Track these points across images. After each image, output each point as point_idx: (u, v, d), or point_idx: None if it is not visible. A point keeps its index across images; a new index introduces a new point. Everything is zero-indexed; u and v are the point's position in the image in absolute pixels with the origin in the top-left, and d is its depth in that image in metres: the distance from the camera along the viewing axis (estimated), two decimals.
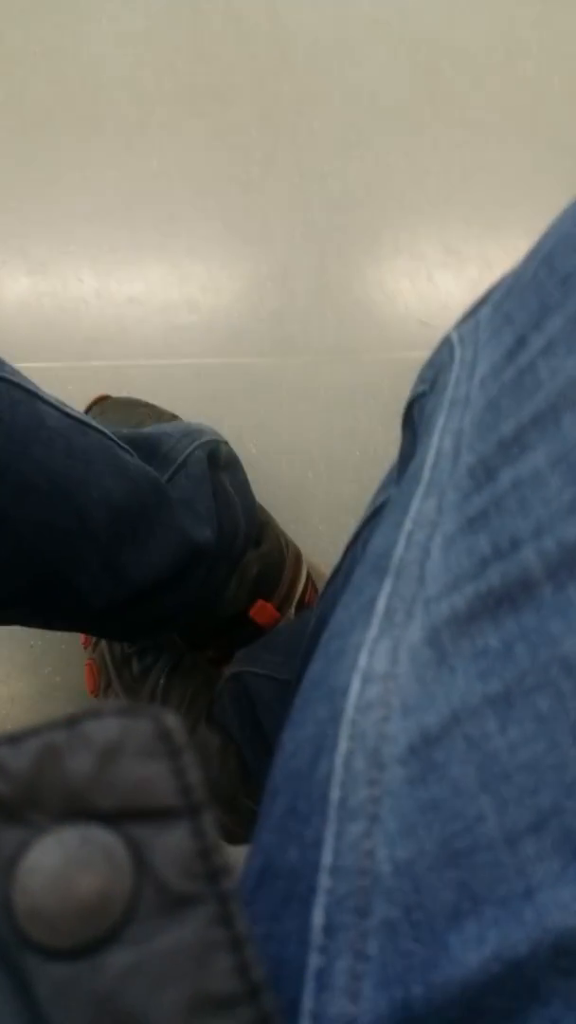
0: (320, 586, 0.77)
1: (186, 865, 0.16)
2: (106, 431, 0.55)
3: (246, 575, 0.70)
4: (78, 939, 0.15)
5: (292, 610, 0.74)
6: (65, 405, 0.52)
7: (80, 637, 0.80)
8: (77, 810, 0.17)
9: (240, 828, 0.64)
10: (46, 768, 0.17)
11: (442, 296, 0.95)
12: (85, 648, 0.78)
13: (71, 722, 0.17)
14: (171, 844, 0.16)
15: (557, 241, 0.31)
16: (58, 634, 0.82)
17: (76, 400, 0.56)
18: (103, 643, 0.75)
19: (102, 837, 0.16)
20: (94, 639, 0.77)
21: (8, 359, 0.50)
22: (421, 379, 0.36)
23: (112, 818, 0.17)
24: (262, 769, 0.64)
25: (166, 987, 0.15)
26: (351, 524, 0.44)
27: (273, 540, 0.75)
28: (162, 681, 0.72)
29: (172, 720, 0.17)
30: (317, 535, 0.84)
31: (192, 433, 0.68)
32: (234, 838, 0.68)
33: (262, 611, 0.71)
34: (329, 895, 0.22)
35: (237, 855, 0.27)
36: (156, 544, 0.57)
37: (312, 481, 0.87)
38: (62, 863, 0.16)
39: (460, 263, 0.96)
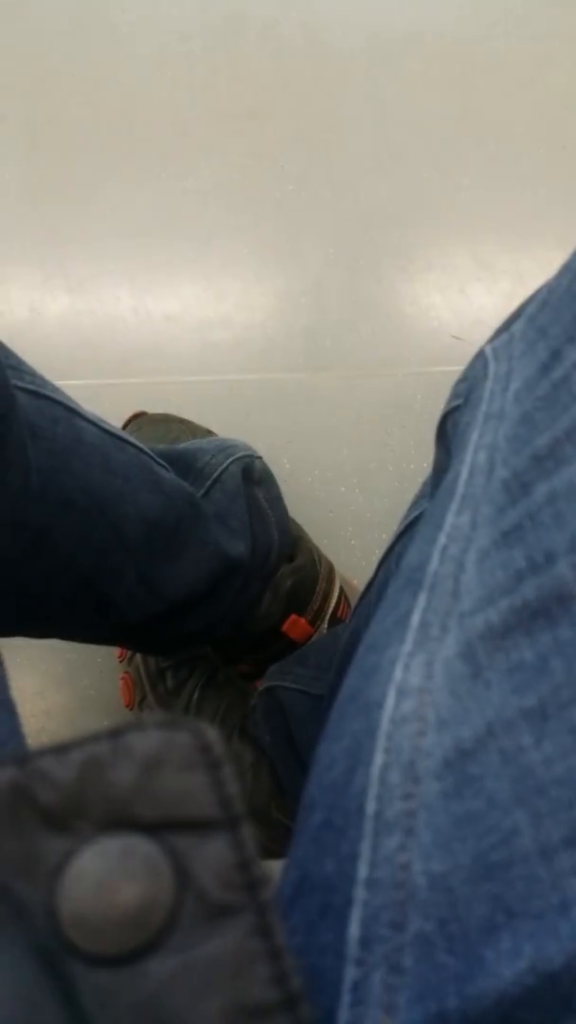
0: (353, 601, 0.77)
1: (226, 876, 0.17)
2: (143, 447, 0.56)
3: (279, 589, 0.71)
4: (121, 947, 0.16)
5: (325, 624, 0.74)
6: (103, 421, 0.53)
7: (115, 651, 0.80)
8: (120, 820, 0.17)
9: (273, 843, 0.64)
10: (90, 779, 0.17)
11: (475, 310, 0.95)
12: (120, 662, 0.79)
13: (114, 734, 0.17)
14: (211, 855, 0.17)
15: None
16: (94, 648, 0.83)
17: (113, 416, 0.57)
18: (138, 657, 0.76)
19: (144, 847, 0.17)
20: (129, 653, 0.77)
21: (48, 376, 0.51)
22: (455, 394, 0.37)
23: (154, 828, 0.17)
24: (295, 784, 0.64)
25: (206, 995, 0.15)
26: (384, 539, 0.44)
27: (306, 554, 0.75)
28: (196, 695, 0.73)
29: (212, 733, 0.18)
30: (350, 550, 0.85)
31: (227, 448, 0.69)
32: (267, 853, 0.68)
33: (295, 626, 0.71)
34: (365, 908, 0.22)
35: (273, 869, 0.27)
36: (191, 558, 0.58)
37: (345, 496, 0.87)
38: (105, 872, 0.16)
39: (493, 277, 0.96)
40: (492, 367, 0.33)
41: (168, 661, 0.74)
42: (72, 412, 0.50)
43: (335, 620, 0.74)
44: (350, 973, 0.21)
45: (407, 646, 0.26)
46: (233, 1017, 0.16)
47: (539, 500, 0.26)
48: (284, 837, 0.27)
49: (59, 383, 0.51)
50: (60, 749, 0.17)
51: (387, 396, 0.91)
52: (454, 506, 0.29)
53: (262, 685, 0.69)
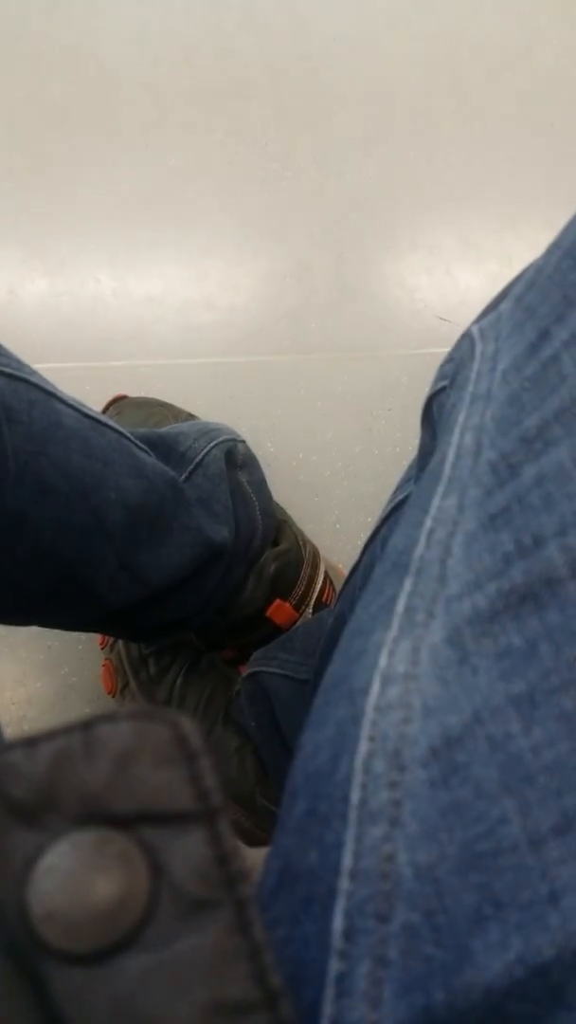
0: (338, 585, 0.77)
1: (203, 871, 0.16)
2: (123, 431, 0.55)
3: (263, 574, 0.70)
4: (94, 944, 0.15)
5: (310, 609, 0.73)
6: (83, 405, 0.52)
7: (97, 638, 0.80)
8: (93, 814, 0.16)
9: (258, 828, 0.64)
10: (61, 772, 0.16)
11: (461, 291, 0.95)
12: (102, 649, 0.78)
13: (85, 726, 0.17)
14: (188, 849, 0.16)
15: None
16: (75, 635, 0.82)
17: (93, 400, 0.56)
18: (120, 644, 0.75)
19: (118, 841, 0.16)
20: (111, 640, 0.77)
21: (26, 359, 0.50)
22: (441, 375, 0.36)
23: (128, 823, 0.16)
24: (280, 769, 0.64)
25: (184, 993, 0.15)
26: (369, 523, 0.43)
27: (291, 539, 0.75)
28: (179, 681, 0.72)
29: (188, 725, 0.17)
30: (335, 533, 0.84)
31: (209, 432, 0.68)
32: (251, 839, 0.68)
33: (279, 610, 0.71)
34: (349, 899, 0.22)
35: (256, 857, 0.27)
36: (173, 543, 0.57)
37: (330, 479, 0.87)
38: (77, 867, 0.16)
39: (479, 258, 0.96)
40: (479, 347, 0.32)
41: (151, 647, 0.73)
42: (50, 395, 0.49)
43: (320, 605, 0.74)
44: (334, 966, 0.21)
45: (392, 631, 0.26)
46: (211, 1016, 0.15)
47: (527, 482, 0.26)
48: (269, 822, 0.27)
49: (37, 366, 0.50)
50: (29, 742, 0.16)
51: (372, 379, 0.90)
52: (440, 489, 0.28)
53: (246, 671, 0.68)
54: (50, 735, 0.16)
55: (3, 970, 0.15)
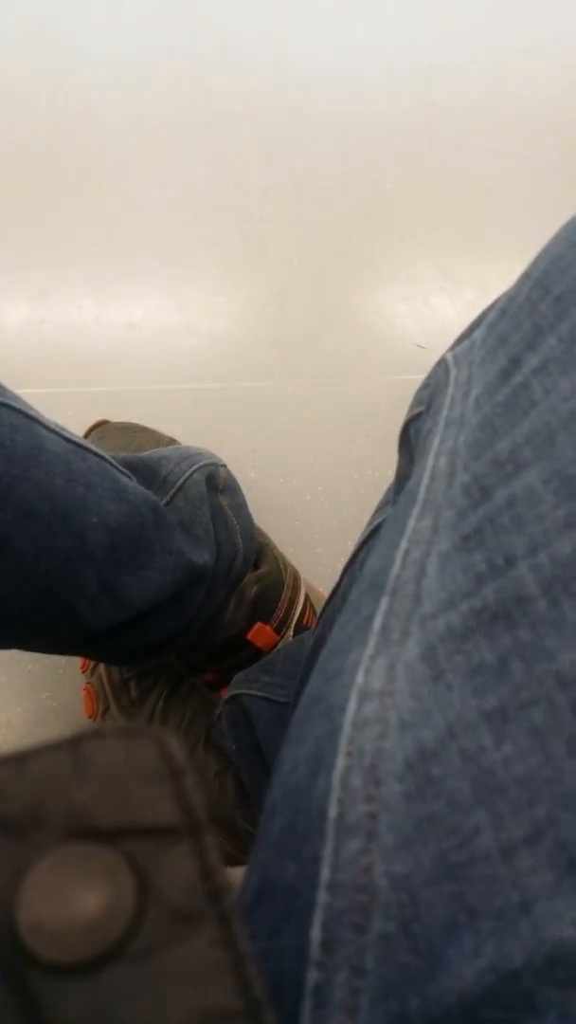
0: (318, 608, 0.77)
1: (188, 884, 0.17)
2: (105, 455, 0.56)
3: (244, 597, 0.71)
4: (81, 955, 0.16)
5: (291, 632, 0.74)
6: (65, 430, 0.52)
7: (78, 661, 0.80)
8: (79, 830, 0.17)
9: (239, 852, 0.64)
10: (49, 788, 0.17)
11: (439, 319, 0.96)
12: (83, 672, 0.78)
13: (74, 743, 0.17)
14: (173, 863, 0.17)
15: (549, 263, 0.32)
16: (55, 659, 0.82)
17: (75, 425, 0.57)
18: (101, 667, 0.75)
19: (104, 856, 0.17)
20: (92, 663, 0.77)
21: (9, 385, 0.50)
22: (417, 400, 0.37)
23: (115, 837, 0.17)
24: (261, 792, 0.64)
25: (169, 1003, 0.15)
26: (349, 546, 0.44)
27: (271, 562, 0.75)
28: (160, 705, 0.72)
29: (173, 742, 0.18)
30: (315, 557, 0.85)
31: (191, 457, 0.68)
32: (233, 862, 0.68)
33: (260, 633, 0.71)
34: (327, 911, 0.22)
35: (235, 876, 0.27)
36: (155, 566, 0.58)
37: (310, 503, 0.87)
38: (64, 880, 0.16)
39: (456, 287, 0.97)
40: (453, 373, 0.33)
41: (132, 671, 0.73)
42: (32, 420, 0.49)
43: (300, 628, 0.74)
44: (312, 976, 0.21)
45: (369, 649, 0.26)
46: None
47: (499, 504, 0.26)
48: (250, 846, 0.27)
49: (20, 391, 0.51)
50: (16, 759, 0.17)
51: (352, 404, 0.91)
52: (416, 511, 0.29)
53: (227, 693, 0.69)
54: (37, 751, 0.17)
55: None
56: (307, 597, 0.77)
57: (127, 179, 1.02)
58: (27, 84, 1.08)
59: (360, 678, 0.26)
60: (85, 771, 0.17)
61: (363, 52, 1.10)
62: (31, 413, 0.49)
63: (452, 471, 0.29)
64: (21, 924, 0.16)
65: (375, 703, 0.25)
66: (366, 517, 0.46)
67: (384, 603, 0.27)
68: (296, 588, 0.76)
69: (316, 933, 0.22)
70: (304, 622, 0.75)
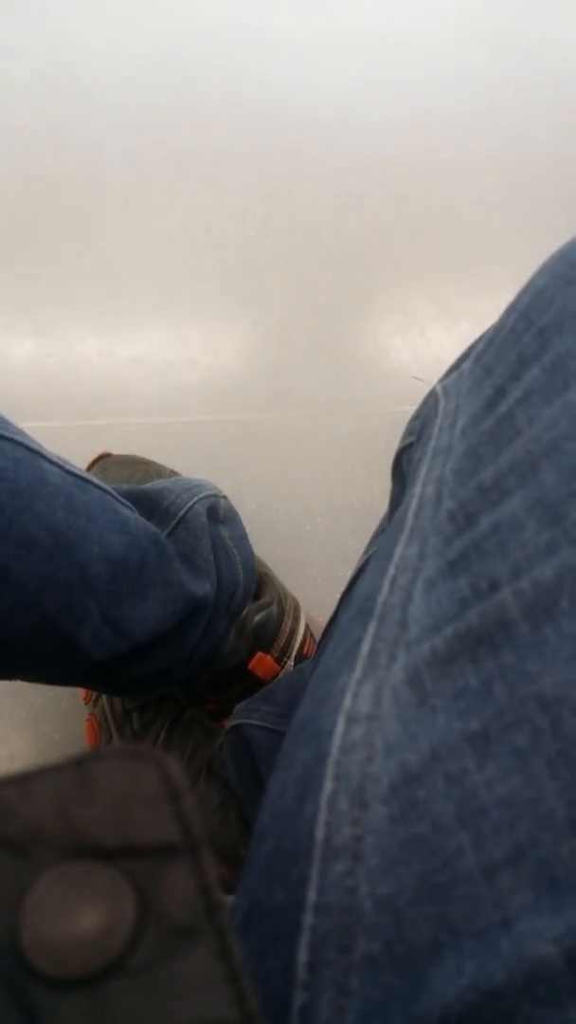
0: (318, 637, 0.78)
1: (186, 900, 0.17)
2: (107, 487, 0.56)
3: (245, 627, 0.71)
4: (82, 970, 0.16)
5: (291, 661, 0.74)
6: (67, 463, 0.53)
7: (80, 693, 0.80)
8: (81, 847, 0.17)
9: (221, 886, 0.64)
10: (51, 808, 0.17)
11: (435, 350, 0.97)
12: (86, 704, 0.78)
13: (76, 764, 0.18)
14: (172, 880, 0.17)
15: (534, 295, 0.32)
16: (57, 691, 0.82)
17: (78, 457, 0.57)
18: (103, 699, 0.75)
19: (105, 873, 0.17)
20: (95, 695, 0.77)
21: (13, 418, 0.51)
22: (409, 431, 0.38)
23: (115, 855, 0.17)
24: None
25: (167, 1016, 0.16)
26: (348, 575, 0.45)
27: (272, 592, 0.76)
28: (163, 735, 0.72)
29: (173, 763, 0.18)
30: (315, 587, 0.85)
31: (192, 488, 0.69)
32: (234, 891, 0.67)
33: (261, 663, 0.72)
34: (313, 932, 0.22)
35: (224, 903, 0.27)
36: (156, 598, 0.58)
37: (310, 533, 0.88)
38: (66, 898, 0.17)
39: (452, 318, 0.99)
40: (442, 404, 0.34)
41: (134, 702, 0.74)
42: (35, 453, 0.50)
43: (301, 657, 0.75)
44: (299, 997, 0.22)
45: (356, 674, 0.27)
46: None
47: (484, 530, 0.27)
48: None
49: (24, 425, 0.52)
50: (21, 779, 0.17)
51: (351, 435, 0.92)
52: (403, 538, 0.30)
53: (229, 723, 0.69)
54: (41, 772, 0.17)
55: None
56: (307, 627, 0.77)
57: (129, 216, 1.04)
58: (32, 124, 1.11)
59: (348, 702, 0.26)
60: (87, 791, 0.17)
61: (360, 90, 1.12)
62: (33, 446, 0.50)
63: (439, 499, 0.30)
64: (23, 940, 0.16)
65: (362, 727, 0.25)
66: (365, 547, 0.47)
67: (372, 628, 0.28)
68: (297, 618, 0.76)
69: (302, 955, 0.22)
70: (305, 652, 0.75)
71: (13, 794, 0.17)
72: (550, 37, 1.17)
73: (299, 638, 0.75)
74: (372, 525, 0.48)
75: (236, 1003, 0.16)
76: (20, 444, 0.49)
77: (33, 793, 0.17)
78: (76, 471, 0.54)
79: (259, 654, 0.72)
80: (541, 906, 0.22)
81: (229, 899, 0.26)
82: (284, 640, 0.73)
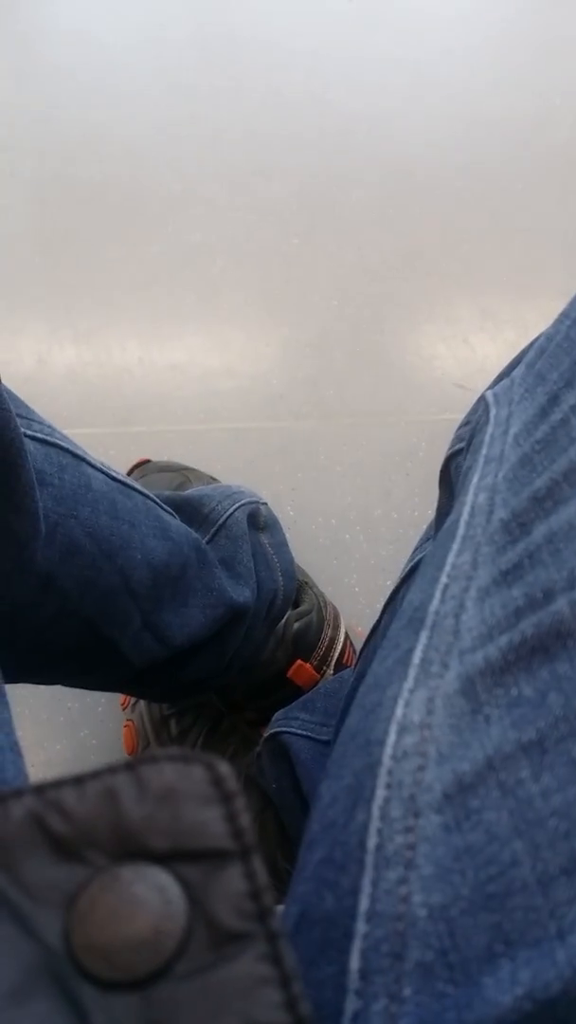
0: (358, 647, 0.77)
1: (237, 904, 0.17)
2: (149, 493, 0.57)
3: (285, 635, 0.71)
4: (132, 972, 0.16)
5: (331, 670, 0.74)
6: (111, 468, 0.53)
7: (118, 699, 0.80)
8: (133, 851, 0.17)
9: (280, 892, 0.63)
10: (104, 810, 0.17)
11: (479, 359, 0.97)
12: (124, 709, 0.79)
13: (130, 767, 0.18)
14: (223, 884, 0.17)
15: None
16: (95, 696, 0.83)
17: (118, 463, 0.58)
18: (141, 704, 0.76)
19: (157, 877, 0.17)
20: (132, 700, 0.77)
21: (54, 424, 0.52)
22: (458, 438, 0.37)
23: (167, 859, 0.17)
24: (300, 831, 0.64)
25: (217, 1020, 0.16)
26: (388, 585, 0.44)
27: (311, 600, 0.75)
28: (200, 742, 0.72)
29: (225, 767, 0.18)
30: (353, 596, 0.85)
31: (232, 495, 0.69)
32: (278, 900, 0.67)
33: (300, 672, 0.71)
34: (365, 940, 0.22)
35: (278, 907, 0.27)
36: (196, 604, 0.58)
37: (349, 542, 0.88)
38: (118, 900, 0.17)
39: (496, 327, 0.98)
40: (493, 411, 0.34)
41: (172, 708, 0.74)
42: (79, 459, 0.50)
43: (340, 666, 0.74)
44: (351, 1004, 0.22)
45: (408, 683, 0.27)
46: None
47: (538, 539, 0.27)
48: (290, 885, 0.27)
49: (65, 431, 0.52)
50: (77, 780, 0.18)
51: (391, 444, 0.92)
52: (455, 546, 0.29)
53: (267, 731, 0.69)
54: (97, 774, 0.18)
55: (48, 995, 0.16)
56: (347, 636, 0.77)
57: (171, 224, 1.05)
58: (75, 135, 1.12)
59: (399, 711, 0.26)
60: (142, 794, 0.17)
61: (402, 99, 1.12)
62: (78, 452, 0.51)
63: (491, 507, 0.29)
64: (75, 942, 0.16)
65: (414, 736, 0.25)
66: (405, 556, 0.47)
67: (423, 637, 0.28)
68: (336, 626, 0.76)
69: (355, 962, 0.22)
70: (344, 660, 0.75)
71: (69, 795, 0.17)
72: None
73: (339, 647, 0.75)
74: (411, 534, 0.48)
75: (287, 1007, 0.16)
76: (65, 450, 0.49)
77: (88, 795, 0.17)
78: (120, 477, 0.54)
79: (298, 662, 0.71)
80: None
81: (279, 907, 0.26)
82: (324, 649, 0.73)
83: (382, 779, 0.25)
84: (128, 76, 1.16)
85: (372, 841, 0.24)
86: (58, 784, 0.18)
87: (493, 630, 0.26)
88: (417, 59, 1.16)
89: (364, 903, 0.23)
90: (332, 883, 0.24)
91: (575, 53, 1.16)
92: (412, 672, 0.27)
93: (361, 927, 0.23)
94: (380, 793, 0.25)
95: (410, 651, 0.28)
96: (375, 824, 0.24)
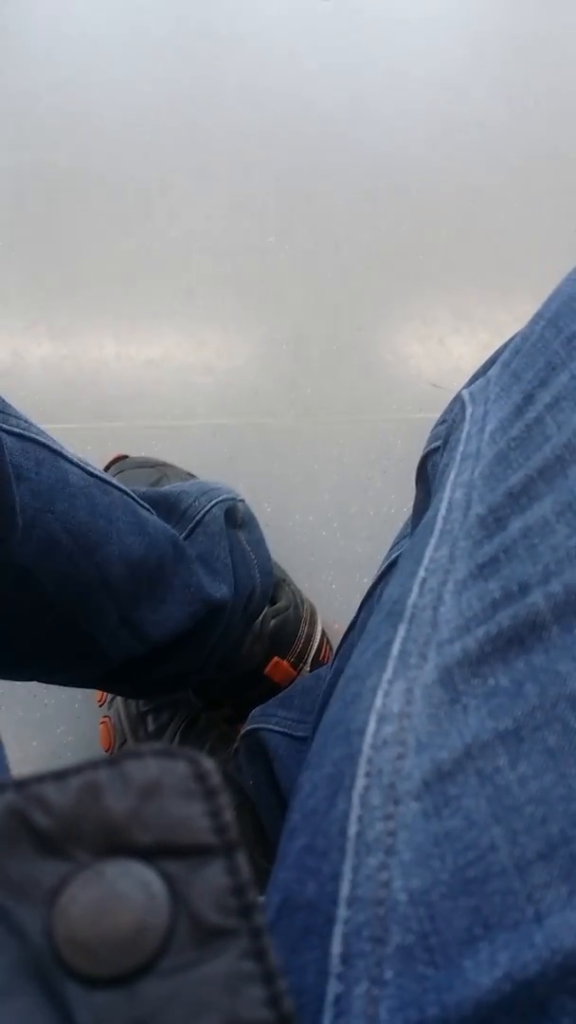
0: (334, 643, 0.78)
1: (221, 900, 0.17)
2: (127, 489, 0.57)
3: (262, 632, 0.71)
4: (116, 969, 0.16)
5: (308, 667, 0.74)
6: (88, 464, 0.53)
7: (95, 695, 0.80)
8: (116, 846, 0.17)
9: (257, 886, 0.63)
10: (87, 804, 0.17)
11: (454, 359, 0.97)
12: (100, 706, 0.78)
13: (112, 762, 0.18)
14: (206, 880, 0.17)
15: (562, 303, 0.33)
16: (71, 693, 0.82)
17: (94, 459, 0.58)
18: (118, 701, 0.75)
19: (140, 872, 0.17)
20: (109, 697, 0.77)
21: (32, 419, 0.51)
22: (434, 436, 0.38)
23: (150, 854, 0.17)
24: (277, 828, 0.64)
25: (200, 1016, 0.16)
26: (364, 582, 0.45)
27: (289, 597, 0.76)
28: (177, 739, 0.72)
29: (209, 762, 0.18)
30: (331, 593, 0.85)
31: (209, 491, 0.69)
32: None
33: (277, 668, 0.72)
34: (346, 925, 0.23)
35: (262, 903, 0.28)
36: (173, 600, 0.58)
37: (326, 539, 0.88)
38: (101, 896, 0.17)
39: (471, 328, 0.99)
40: (469, 410, 0.34)
41: (149, 704, 0.74)
42: (57, 454, 0.50)
43: (317, 663, 0.75)
44: (333, 988, 0.22)
45: (387, 674, 0.27)
46: None
47: (514, 534, 0.27)
48: (267, 882, 0.28)
49: (42, 426, 0.52)
50: (59, 775, 0.17)
51: (367, 442, 0.92)
52: (433, 541, 0.30)
53: (244, 728, 0.69)
54: (79, 769, 0.18)
55: (29, 993, 0.16)
56: (324, 632, 0.77)
57: (148, 220, 1.04)
58: (51, 128, 1.11)
59: (379, 701, 0.26)
60: (123, 789, 0.17)
61: (379, 97, 1.12)
62: (55, 447, 0.50)
63: (468, 503, 0.30)
64: (59, 937, 0.16)
65: (393, 725, 0.26)
66: (381, 553, 0.47)
67: (402, 630, 0.28)
68: (313, 623, 0.76)
69: (336, 947, 0.22)
70: (321, 657, 0.75)
71: (50, 790, 0.17)
72: (572, 46, 1.17)
73: (315, 644, 0.75)
74: (388, 531, 0.48)
75: (270, 1004, 0.16)
76: (43, 445, 0.49)
77: (69, 789, 0.17)
78: (97, 472, 0.54)
79: (275, 659, 0.72)
80: (573, 901, 0.22)
81: (261, 898, 0.27)
82: (301, 645, 0.73)
83: (362, 768, 0.25)
84: (105, 69, 1.16)
85: (353, 828, 0.24)
86: (40, 779, 0.18)
87: (470, 622, 0.27)
88: (394, 58, 1.16)
89: (345, 889, 0.23)
90: (314, 870, 0.25)
91: (549, 54, 1.17)
92: (391, 663, 0.27)
93: (342, 912, 0.23)
94: (360, 781, 0.25)
95: (389, 643, 0.28)
96: (355, 812, 0.24)
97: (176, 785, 0.18)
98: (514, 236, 1.03)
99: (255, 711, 0.69)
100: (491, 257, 1.02)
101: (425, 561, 0.29)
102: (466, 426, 0.34)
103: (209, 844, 0.17)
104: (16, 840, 0.17)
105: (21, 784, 0.17)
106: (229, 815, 0.18)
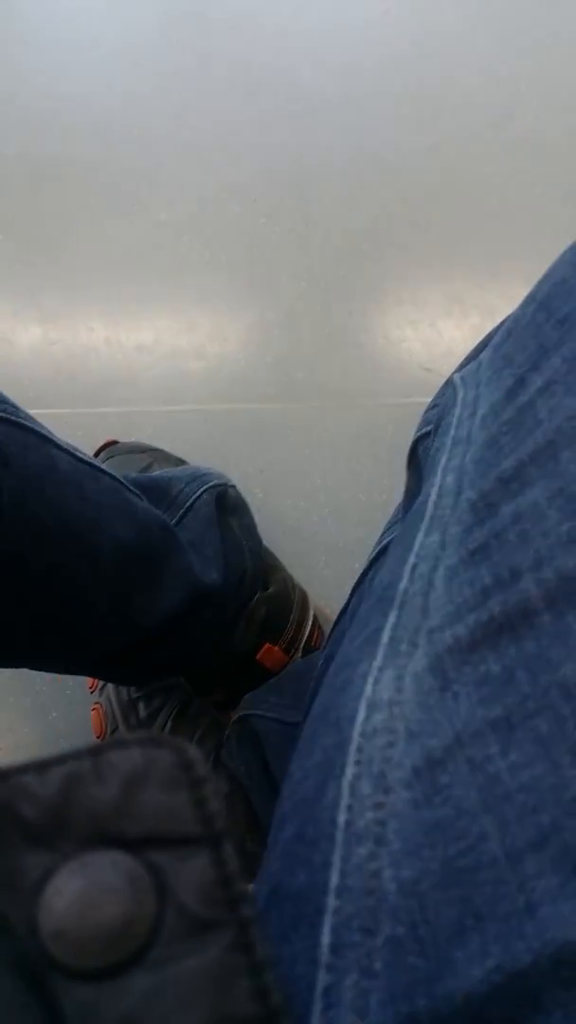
0: (326, 629, 0.77)
1: (207, 892, 0.17)
2: (117, 475, 0.56)
3: (253, 617, 0.71)
4: (102, 961, 0.16)
5: (299, 653, 0.74)
6: (77, 450, 0.53)
7: (86, 682, 0.80)
8: (101, 836, 0.17)
9: (248, 874, 0.64)
10: (72, 795, 0.17)
11: (445, 343, 0.97)
12: (91, 692, 0.78)
13: (96, 751, 0.18)
14: (193, 871, 0.17)
15: (553, 286, 0.32)
16: (64, 679, 0.82)
17: (85, 445, 0.57)
18: (109, 687, 0.75)
19: (125, 863, 0.17)
20: (101, 683, 0.77)
21: (21, 405, 0.51)
22: (425, 420, 0.38)
23: (135, 845, 0.17)
24: (270, 813, 0.64)
25: (187, 1009, 0.16)
26: (355, 567, 0.44)
27: (280, 583, 0.75)
28: (168, 725, 0.72)
29: (194, 751, 0.18)
30: (322, 579, 0.85)
31: (200, 477, 0.69)
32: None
33: (269, 654, 0.71)
34: (336, 915, 0.23)
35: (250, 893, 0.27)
36: (164, 586, 0.58)
37: (317, 524, 0.88)
38: (86, 888, 0.16)
39: (463, 311, 0.98)
40: (460, 394, 0.34)
41: (140, 691, 0.74)
42: (45, 440, 0.50)
43: (309, 648, 0.74)
44: (322, 978, 0.22)
45: (377, 661, 0.27)
46: None
47: (505, 520, 0.27)
48: (259, 867, 0.28)
49: (32, 411, 0.51)
50: (42, 766, 0.17)
51: (359, 426, 0.92)
52: (423, 527, 0.30)
53: (236, 714, 0.69)
54: (61, 759, 0.17)
55: (15, 986, 0.15)
56: (315, 618, 0.77)
57: (137, 203, 1.03)
58: (39, 112, 1.10)
59: (369, 689, 0.26)
60: (108, 779, 0.17)
61: (371, 80, 1.11)
62: (44, 433, 0.50)
63: (459, 488, 0.30)
64: (44, 930, 0.16)
65: (383, 713, 0.25)
66: (373, 538, 0.47)
67: (392, 616, 0.28)
68: (305, 609, 0.76)
69: (326, 937, 0.22)
70: (313, 643, 0.75)
71: (33, 780, 0.17)
72: (565, 31, 1.16)
73: (307, 629, 0.75)
74: (380, 516, 0.48)
75: (258, 997, 0.16)
76: (31, 430, 0.49)
77: (52, 780, 0.17)
78: (87, 458, 0.53)
79: (267, 645, 0.71)
80: (566, 891, 0.22)
81: (250, 887, 0.26)
82: (292, 631, 0.73)
83: (352, 756, 0.25)
84: (94, 52, 1.14)
85: (343, 817, 0.24)
86: (23, 769, 0.17)
87: (461, 609, 0.26)
88: (386, 42, 1.15)
89: (335, 878, 0.23)
90: (304, 859, 0.24)
91: (541, 40, 1.16)
92: (381, 650, 0.27)
93: (332, 902, 0.23)
94: (350, 770, 0.25)
95: (379, 630, 0.28)
96: (345, 800, 0.24)
97: (161, 774, 0.17)
98: (507, 220, 1.03)
99: (247, 697, 0.69)
100: (483, 241, 1.02)
101: (416, 547, 0.29)
102: (457, 410, 0.33)
103: (195, 834, 0.17)
104: (0, 831, 0.17)
105: (3, 775, 0.17)
106: (215, 805, 0.18)
